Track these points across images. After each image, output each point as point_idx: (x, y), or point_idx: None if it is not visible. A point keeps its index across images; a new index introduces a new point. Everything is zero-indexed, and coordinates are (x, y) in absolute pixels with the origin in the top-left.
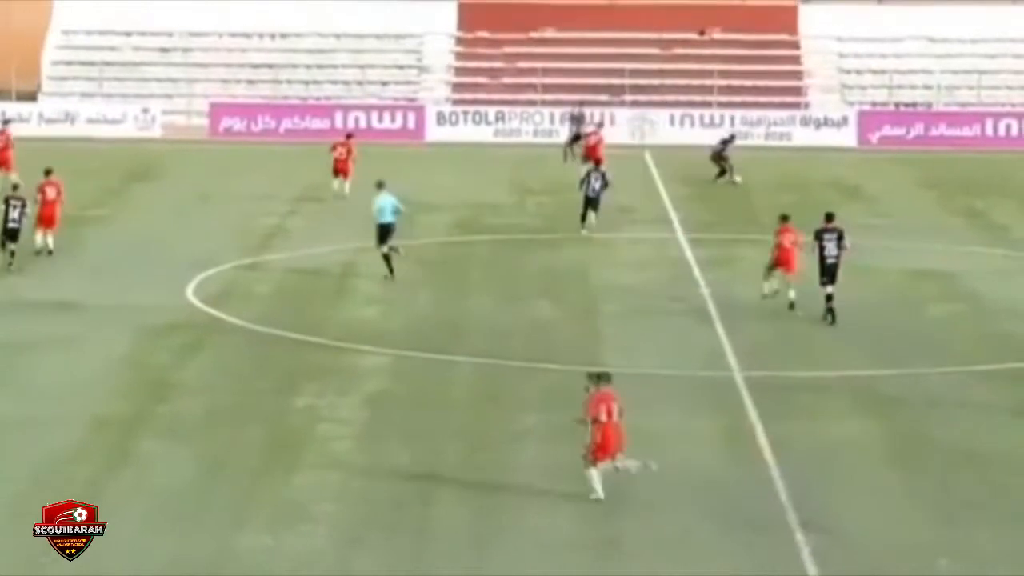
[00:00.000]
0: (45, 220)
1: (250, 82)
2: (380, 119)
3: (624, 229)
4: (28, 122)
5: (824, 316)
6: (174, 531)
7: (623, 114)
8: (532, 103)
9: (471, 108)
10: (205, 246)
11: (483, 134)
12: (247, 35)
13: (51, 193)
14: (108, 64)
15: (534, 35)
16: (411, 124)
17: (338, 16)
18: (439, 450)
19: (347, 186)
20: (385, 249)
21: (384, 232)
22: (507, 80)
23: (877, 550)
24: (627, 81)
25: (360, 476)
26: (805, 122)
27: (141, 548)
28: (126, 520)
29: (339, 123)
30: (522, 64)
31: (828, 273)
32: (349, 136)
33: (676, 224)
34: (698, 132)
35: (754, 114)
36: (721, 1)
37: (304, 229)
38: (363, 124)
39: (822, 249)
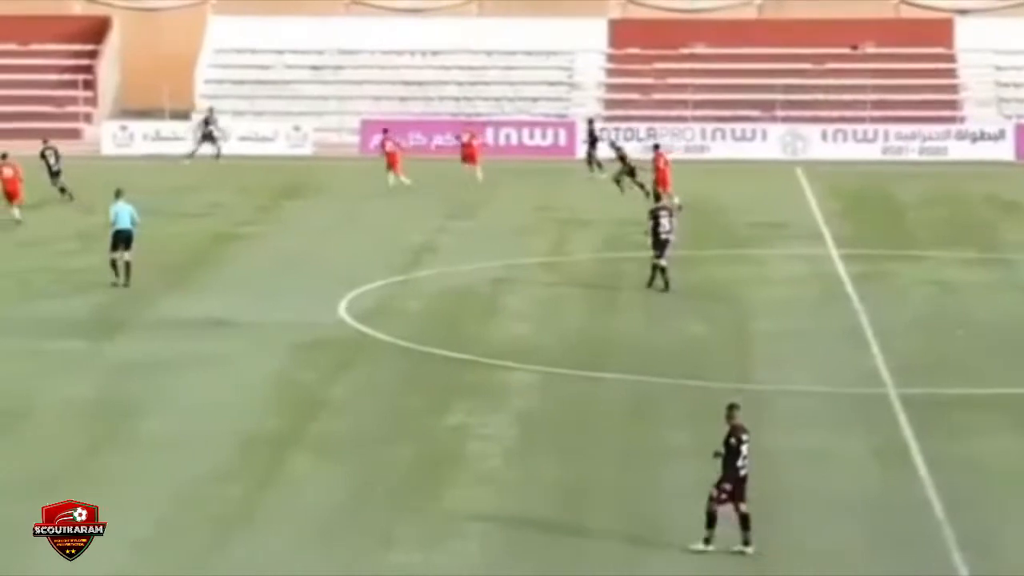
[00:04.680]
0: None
1: (401, 99)
2: (531, 136)
3: (776, 245)
4: (182, 140)
5: (650, 284)
6: (326, 549)
7: (775, 130)
8: (683, 119)
9: (622, 124)
10: (356, 263)
11: (634, 150)
12: (398, 52)
13: (8, 172)
14: (260, 82)
15: (685, 51)
16: (562, 140)
17: (489, 33)
18: (590, 468)
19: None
20: (126, 256)
21: (119, 238)
22: (658, 96)
23: None
24: (779, 97)
25: (511, 494)
26: (961, 136)
27: (293, 566)
28: (278, 539)
29: (490, 139)
30: (673, 80)
31: (661, 247)
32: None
33: (829, 240)
34: (851, 147)
35: (908, 128)
36: (875, 15)
37: (454, 246)
38: (514, 141)
39: (657, 225)
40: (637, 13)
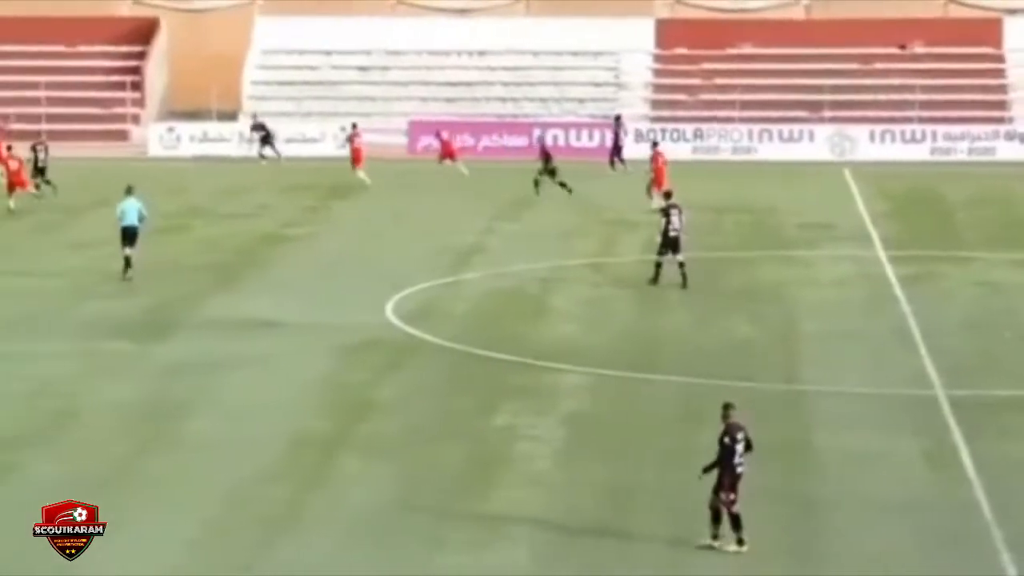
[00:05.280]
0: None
1: (448, 100)
2: (578, 137)
3: (823, 247)
4: (229, 142)
5: (655, 280)
6: (373, 550)
7: (822, 131)
8: (730, 120)
9: (669, 125)
10: (403, 264)
11: (681, 151)
12: (445, 53)
13: (14, 164)
14: (307, 83)
15: (732, 51)
16: (609, 142)
17: (536, 33)
18: (638, 469)
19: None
20: (128, 251)
21: (127, 234)
22: (705, 97)
23: None
24: (826, 97)
25: (559, 495)
26: (1010, 136)
27: (341, 567)
28: (326, 540)
29: (537, 140)
30: (720, 81)
31: (672, 244)
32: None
33: (876, 241)
34: (899, 148)
35: (957, 129)
36: (923, 15)
37: (501, 247)
38: (561, 142)
39: (668, 223)
40: (684, 13)
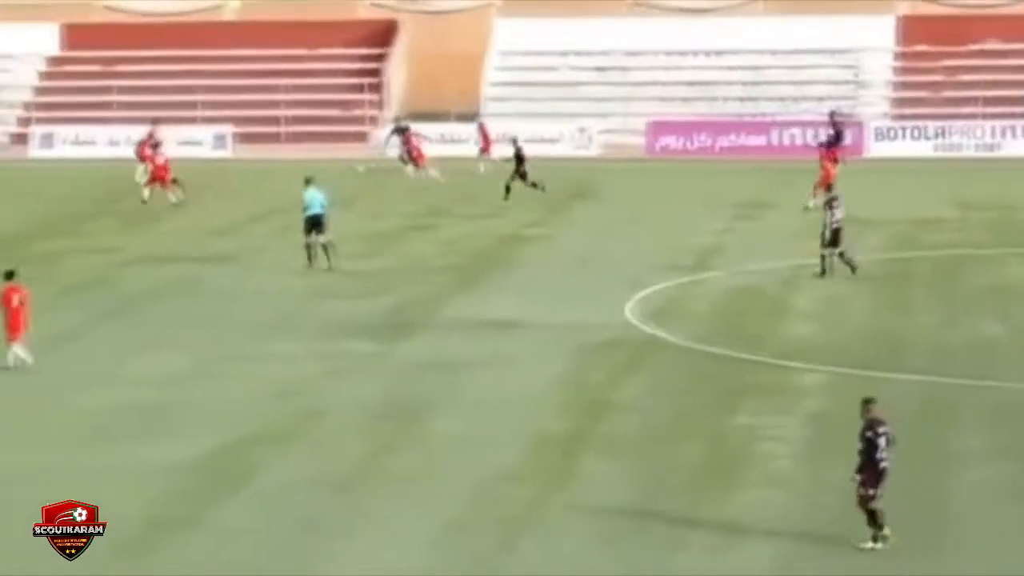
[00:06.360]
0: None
1: (686, 100)
2: (817, 135)
3: None
4: (467, 143)
5: (852, 271)
6: (617, 550)
7: None
8: (974, 117)
9: (911, 123)
10: (642, 264)
11: (923, 149)
12: (682, 53)
13: (160, 159)
14: (545, 84)
15: (976, 47)
16: (849, 140)
17: (774, 32)
18: None
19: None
20: (321, 239)
21: (312, 223)
22: (948, 94)
23: None
24: None
25: (801, 495)
26: None
27: (583, 567)
28: (569, 538)
29: (775, 140)
30: (964, 77)
31: (835, 236)
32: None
33: None
34: None
35: None
36: None
37: (740, 246)
38: (799, 141)
39: (832, 215)
40: (926, 9)
